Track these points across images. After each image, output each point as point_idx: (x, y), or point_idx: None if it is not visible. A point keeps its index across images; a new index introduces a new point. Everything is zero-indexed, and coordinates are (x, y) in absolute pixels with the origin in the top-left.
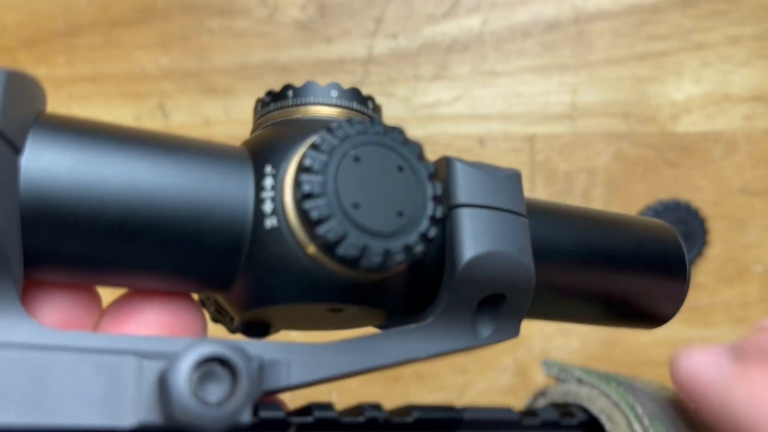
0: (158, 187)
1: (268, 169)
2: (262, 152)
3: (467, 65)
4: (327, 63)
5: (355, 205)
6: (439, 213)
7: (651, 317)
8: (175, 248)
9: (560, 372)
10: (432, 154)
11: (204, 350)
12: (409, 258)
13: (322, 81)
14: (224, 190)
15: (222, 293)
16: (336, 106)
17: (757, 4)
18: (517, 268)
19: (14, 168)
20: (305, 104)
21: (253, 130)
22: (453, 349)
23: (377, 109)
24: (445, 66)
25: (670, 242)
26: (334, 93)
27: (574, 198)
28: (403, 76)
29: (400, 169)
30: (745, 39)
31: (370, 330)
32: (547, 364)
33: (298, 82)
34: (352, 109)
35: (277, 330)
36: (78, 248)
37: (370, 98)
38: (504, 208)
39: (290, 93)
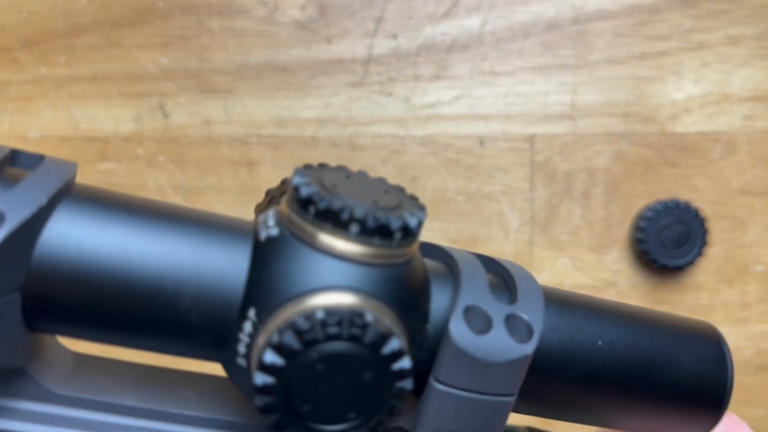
0: (149, 274)
1: (251, 314)
2: (256, 283)
3: (467, 65)
4: (327, 63)
5: (305, 403)
6: (397, 409)
7: None
8: (160, 332)
9: None
10: (432, 155)
11: None
12: None
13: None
14: (210, 303)
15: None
16: (354, 242)
17: (757, 3)
18: None
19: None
20: (322, 230)
21: (282, 212)
22: None
23: (410, 233)
24: (445, 66)
25: (714, 366)
26: (354, 229)
27: (574, 198)
28: (403, 76)
29: (367, 371)
30: (745, 39)
31: None
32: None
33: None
34: (371, 246)
35: None
36: (76, 310)
37: (401, 228)
38: (489, 392)
39: (312, 209)
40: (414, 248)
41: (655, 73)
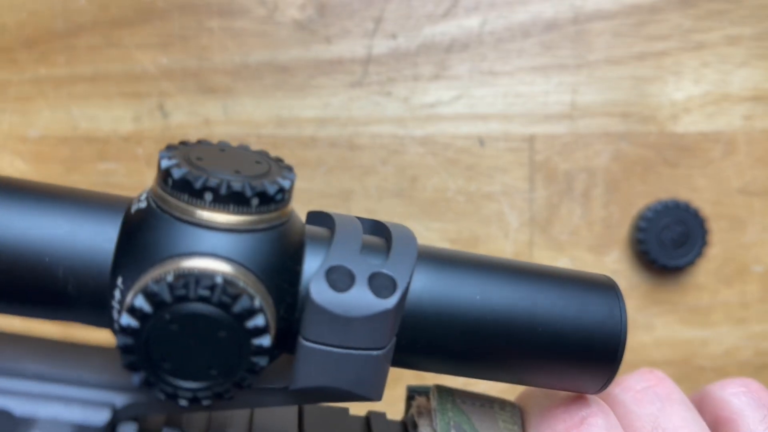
0: (23, 243)
1: (119, 282)
2: (123, 254)
3: (467, 65)
4: (326, 63)
5: (165, 360)
6: (259, 365)
7: (568, 389)
8: (40, 300)
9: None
10: (431, 155)
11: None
12: (217, 399)
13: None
14: (82, 266)
15: None
16: (211, 210)
17: (757, 3)
18: (351, 397)
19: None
20: (180, 200)
21: (152, 186)
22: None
23: (269, 200)
24: (444, 66)
25: (606, 313)
26: (208, 197)
27: (574, 198)
28: (402, 76)
29: (220, 330)
30: (745, 39)
31: None
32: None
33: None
34: (227, 212)
35: None
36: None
37: (257, 194)
38: (353, 346)
39: (169, 180)
40: (284, 213)
41: (655, 73)
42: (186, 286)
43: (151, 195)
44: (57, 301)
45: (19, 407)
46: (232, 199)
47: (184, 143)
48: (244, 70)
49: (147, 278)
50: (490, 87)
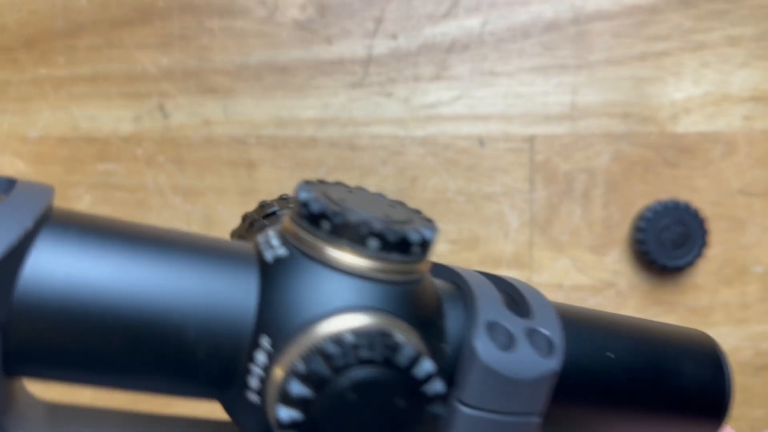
0: (149, 302)
1: (265, 342)
2: (267, 309)
3: (467, 65)
4: (327, 63)
5: None
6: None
7: None
8: (157, 369)
9: None
10: (431, 155)
11: None
12: None
13: (347, 175)
14: (216, 333)
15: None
16: (373, 259)
17: (757, 4)
18: None
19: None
20: (337, 246)
21: (284, 227)
22: None
23: (427, 246)
24: (445, 66)
25: (714, 375)
26: (373, 244)
27: (574, 198)
28: (403, 76)
29: (399, 396)
30: (745, 39)
31: None
32: None
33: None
34: (390, 261)
35: None
36: (68, 351)
37: (420, 243)
38: (516, 412)
39: (326, 225)
40: (427, 265)
41: (655, 74)
42: (371, 346)
43: (291, 240)
44: (180, 368)
45: None
46: (397, 247)
47: (309, 182)
48: (244, 70)
49: (313, 337)
50: (491, 87)
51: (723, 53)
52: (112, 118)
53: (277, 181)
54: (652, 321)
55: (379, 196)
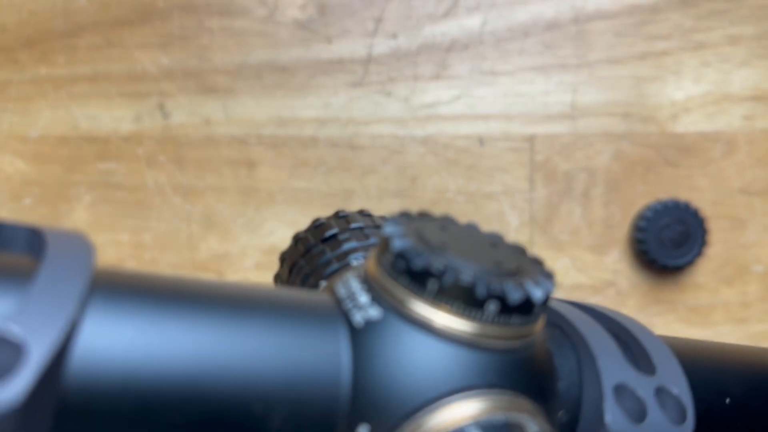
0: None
1: (363, 430)
2: (365, 388)
3: (467, 65)
4: (327, 63)
5: None
6: None
7: None
8: None
9: None
10: (432, 155)
11: None
12: None
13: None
14: (305, 414)
15: None
16: (492, 324)
17: (757, 3)
18: None
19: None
20: (447, 311)
21: (372, 281)
22: None
23: (546, 302)
24: (444, 66)
25: None
26: (492, 308)
27: (574, 198)
28: (402, 76)
29: None
30: (745, 39)
31: None
32: None
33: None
34: (509, 325)
35: None
36: None
37: (545, 299)
38: None
39: (433, 286)
40: (543, 323)
41: (655, 73)
42: None
43: (385, 298)
44: None
45: None
46: (520, 309)
47: (396, 218)
48: (244, 70)
49: (423, 430)
50: (491, 87)
51: (723, 52)
52: (112, 117)
53: (278, 181)
54: (763, 349)
55: (474, 230)
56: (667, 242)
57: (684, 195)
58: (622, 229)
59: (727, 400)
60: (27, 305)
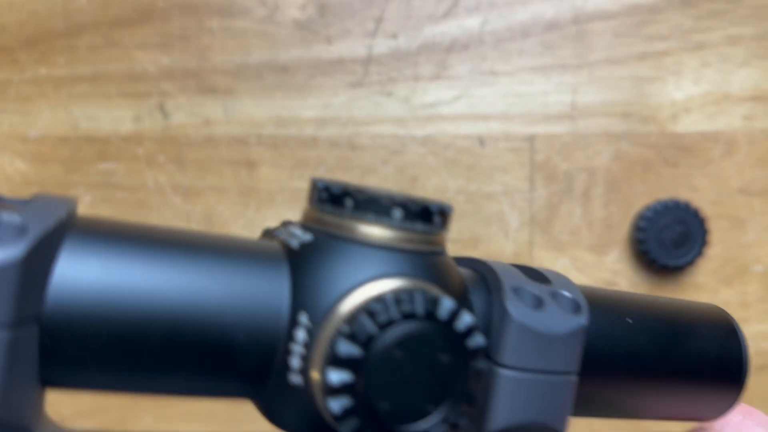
0: (181, 305)
1: (304, 318)
2: (302, 288)
3: (467, 65)
4: (327, 63)
5: (384, 399)
6: (476, 396)
7: (695, 418)
8: (195, 369)
9: None
10: (432, 155)
11: None
12: None
13: (360, 179)
14: (253, 323)
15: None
16: (397, 229)
17: (757, 4)
18: None
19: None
20: (362, 221)
21: (304, 218)
22: None
23: (446, 218)
24: (444, 66)
25: (730, 345)
26: (397, 214)
27: (574, 198)
28: (403, 76)
29: (444, 352)
30: (745, 39)
31: None
32: None
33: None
34: (414, 231)
35: None
36: (101, 359)
37: (440, 212)
38: (554, 370)
39: (349, 203)
40: (445, 240)
41: (655, 73)
42: (412, 300)
43: (314, 226)
44: (220, 363)
45: None
46: (420, 216)
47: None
48: (244, 70)
49: (353, 303)
50: (491, 87)
51: (723, 53)
52: (112, 117)
53: (278, 181)
54: (663, 297)
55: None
56: (667, 242)
57: (684, 195)
58: (622, 229)
59: (630, 320)
60: (27, 210)
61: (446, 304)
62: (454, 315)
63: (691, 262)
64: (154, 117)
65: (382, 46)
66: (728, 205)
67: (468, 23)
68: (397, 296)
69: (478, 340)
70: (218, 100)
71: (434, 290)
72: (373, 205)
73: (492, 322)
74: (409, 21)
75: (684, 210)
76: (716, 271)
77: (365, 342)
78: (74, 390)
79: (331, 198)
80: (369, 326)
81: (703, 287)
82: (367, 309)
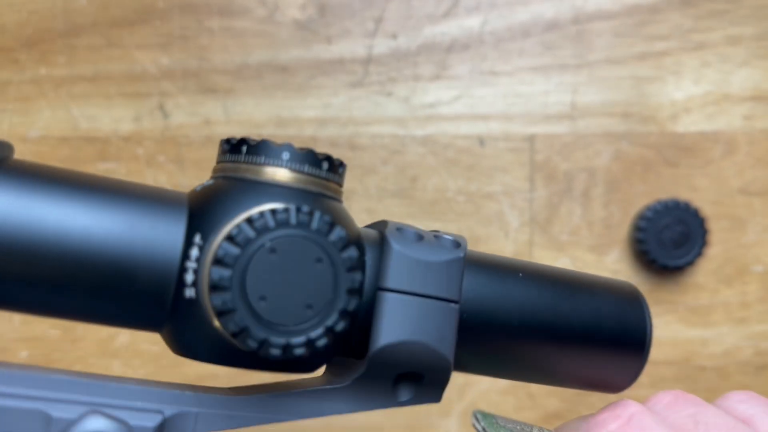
0: (91, 234)
1: (197, 239)
2: (198, 216)
3: (467, 65)
4: (327, 63)
5: (262, 298)
6: (351, 306)
7: (600, 388)
8: (100, 293)
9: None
10: (432, 155)
11: (90, 426)
12: (311, 350)
13: (288, 134)
14: (153, 248)
15: (156, 332)
16: (286, 168)
17: (757, 4)
18: (432, 356)
19: None
20: (256, 164)
21: (212, 174)
22: (365, 409)
23: (335, 168)
24: (444, 66)
25: (632, 313)
26: (285, 155)
27: (574, 198)
28: (403, 76)
29: (319, 260)
30: (745, 39)
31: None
32: (476, 418)
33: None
34: (302, 172)
35: None
36: (13, 287)
37: (326, 159)
38: (433, 295)
39: (244, 148)
40: (340, 191)
41: (655, 73)
42: (286, 211)
43: (215, 174)
44: (122, 285)
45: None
46: (307, 159)
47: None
48: (244, 70)
49: (238, 219)
50: (491, 87)
51: (723, 53)
52: (112, 117)
53: None
54: (571, 270)
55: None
56: (667, 242)
57: (684, 195)
58: (622, 229)
59: (520, 274)
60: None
61: (319, 216)
62: (328, 227)
63: (691, 262)
64: (154, 117)
65: (382, 46)
66: (728, 205)
67: (468, 23)
68: (275, 210)
69: (351, 252)
70: (218, 100)
71: (312, 208)
72: (264, 148)
73: (381, 260)
74: (409, 21)
75: (684, 210)
76: (716, 271)
77: (243, 244)
78: None
79: (231, 148)
80: (247, 230)
81: (703, 287)
82: (248, 218)
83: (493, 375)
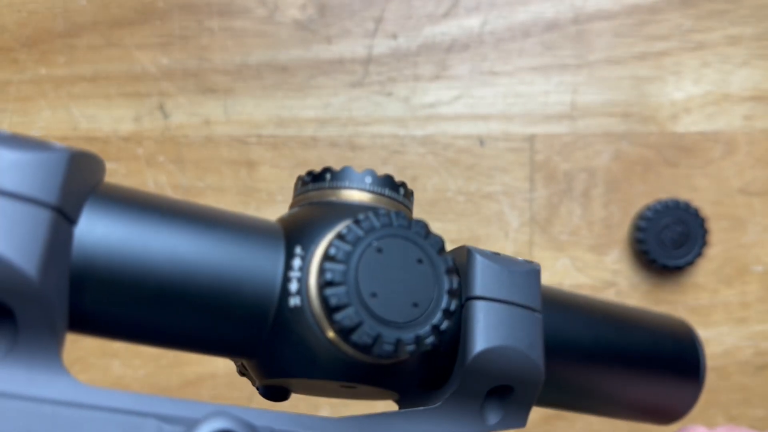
0: (195, 260)
1: (298, 250)
2: (295, 232)
3: (467, 65)
4: (327, 63)
5: (373, 295)
6: (452, 306)
7: (660, 416)
8: (203, 317)
9: None
10: (432, 155)
11: (216, 425)
12: (420, 348)
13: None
14: (255, 267)
15: (246, 360)
16: (369, 192)
17: (757, 4)
18: (525, 364)
19: (68, 237)
20: (340, 188)
21: (292, 206)
22: None
23: (408, 194)
24: (444, 66)
25: (686, 344)
26: (368, 179)
27: (574, 198)
28: (403, 76)
29: (420, 261)
30: (745, 39)
31: (386, 404)
32: None
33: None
34: (383, 195)
35: (296, 392)
36: (119, 311)
37: (402, 185)
38: (519, 303)
39: (328, 176)
40: (411, 214)
41: (655, 73)
42: (388, 214)
43: (299, 203)
44: (228, 306)
45: None
46: (387, 184)
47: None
48: (244, 70)
49: (342, 225)
50: (491, 87)
51: (723, 53)
52: (112, 117)
53: (278, 181)
54: (627, 306)
55: None
56: (667, 242)
57: (684, 195)
58: (622, 229)
59: (588, 316)
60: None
61: (416, 221)
62: (425, 231)
63: (691, 262)
64: (154, 117)
65: (382, 46)
66: (728, 205)
67: (468, 23)
68: (378, 211)
69: (447, 255)
70: (218, 100)
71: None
72: (347, 174)
73: (466, 274)
74: (409, 21)
75: (684, 210)
76: (716, 271)
77: (353, 242)
78: (89, 332)
79: (313, 178)
80: (356, 229)
81: (703, 287)
82: (355, 219)
83: (555, 403)
